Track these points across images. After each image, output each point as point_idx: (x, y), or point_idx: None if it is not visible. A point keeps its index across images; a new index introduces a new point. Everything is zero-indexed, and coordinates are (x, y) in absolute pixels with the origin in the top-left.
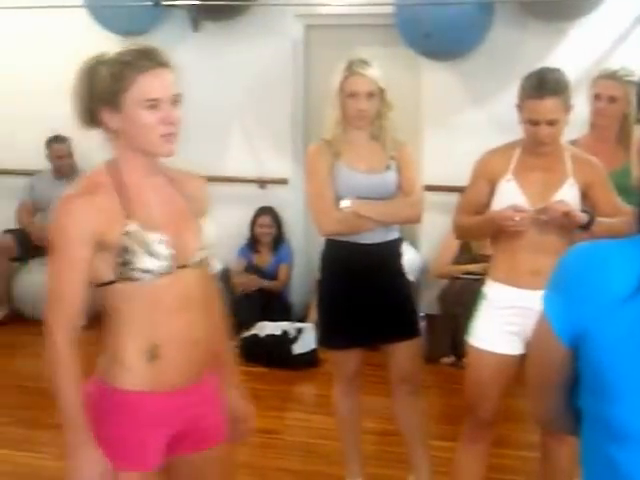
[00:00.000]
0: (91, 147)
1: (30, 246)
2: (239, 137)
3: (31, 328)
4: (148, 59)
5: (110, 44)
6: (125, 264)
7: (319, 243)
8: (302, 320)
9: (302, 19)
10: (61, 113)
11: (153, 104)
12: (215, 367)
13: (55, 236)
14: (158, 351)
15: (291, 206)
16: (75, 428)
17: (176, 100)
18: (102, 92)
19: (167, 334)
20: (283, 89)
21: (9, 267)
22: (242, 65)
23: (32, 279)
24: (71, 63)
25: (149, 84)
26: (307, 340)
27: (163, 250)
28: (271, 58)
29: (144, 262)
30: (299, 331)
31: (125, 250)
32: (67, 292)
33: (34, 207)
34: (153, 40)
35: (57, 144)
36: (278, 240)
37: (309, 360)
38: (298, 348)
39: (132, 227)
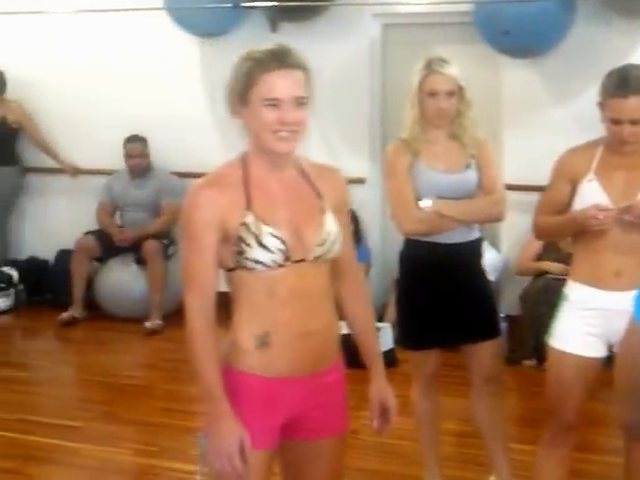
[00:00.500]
0: (170, 147)
1: (110, 246)
2: (316, 137)
3: (112, 325)
4: (276, 59)
5: (190, 46)
6: (240, 253)
7: (396, 243)
8: (379, 320)
9: (379, 18)
10: (141, 113)
11: (273, 103)
12: (338, 361)
13: (185, 225)
14: (269, 339)
15: (368, 206)
16: (214, 401)
17: (300, 102)
18: (236, 87)
19: (279, 323)
20: (360, 89)
21: (91, 267)
22: (319, 65)
23: (113, 278)
24: (151, 65)
25: (272, 83)
26: (384, 340)
27: (274, 243)
28: (348, 58)
29: (255, 253)
30: (376, 330)
31: (241, 240)
32: (200, 277)
33: (113, 207)
34: (232, 41)
35: (132, 143)
36: (355, 240)
37: (386, 360)
38: None
39: (249, 218)
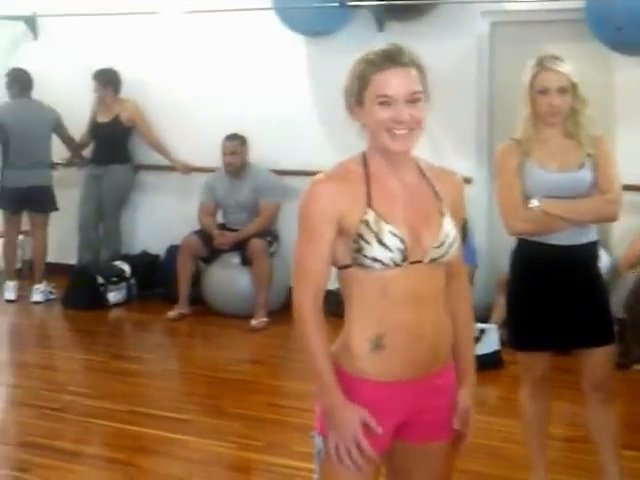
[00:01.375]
0: (272, 146)
1: (214, 246)
2: (423, 136)
3: (218, 321)
4: (388, 58)
5: (296, 45)
6: (358, 250)
7: (503, 242)
8: (485, 320)
9: (488, 16)
10: (246, 111)
11: (386, 101)
12: (449, 364)
13: (302, 217)
14: (382, 341)
15: (474, 205)
16: (329, 391)
17: (414, 99)
18: (352, 89)
19: (392, 325)
20: (467, 88)
21: (196, 266)
22: (427, 64)
23: (217, 276)
24: (258, 64)
25: (385, 82)
26: (490, 341)
27: (394, 242)
28: (456, 57)
29: (374, 251)
30: (482, 332)
31: (360, 237)
32: (312, 269)
33: (215, 207)
34: (338, 40)
35: (230, 141)
36: (462, 240)
37: (492, 361)
38: (481, 349)
39: (369, 216)
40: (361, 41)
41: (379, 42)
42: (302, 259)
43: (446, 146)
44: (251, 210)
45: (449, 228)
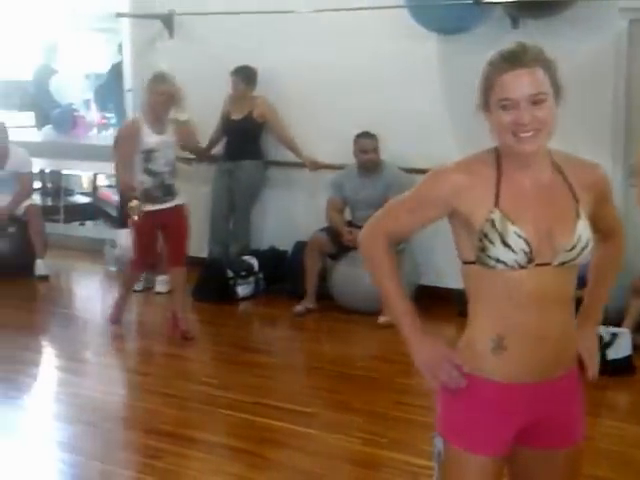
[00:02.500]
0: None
1: (342, 243)
2: (557, 136)
3: (345, 317)
4: (509, 60)
5: (428, 43)
6: (482, 249)
7: (639, 245)
8: (617, 325)
9: (627, 13)
10: (375, 109)
11: (507, 104)
12: (573, 370)
13: (418, 187)
14: (504, 342)
15: None
16: (401, 319)
17: (537, 100)
18: (481, 90)
19: (515, 327)
20: (604, 87)
21: (324, 262)
22: (561, 62)
23: (345, 273)
24: (389, 61)
25: (505, 85)
26: (622, 345)
27: (518, 244)
28: (592, 55)
29: (498, 252)
30: (614, 336)
31: (484, 236)
32: (397, 224)
33: (343, 204)
34: (471, 38)
35: (363, 139)
36: None
37: (624, 366)
38: (613, 353)
39: (495, 215)
40: (494, 39)
41: (512, 40)
42: (394, 212)
43: (581, 144)
44: (380, 207)
45: (583, 231)
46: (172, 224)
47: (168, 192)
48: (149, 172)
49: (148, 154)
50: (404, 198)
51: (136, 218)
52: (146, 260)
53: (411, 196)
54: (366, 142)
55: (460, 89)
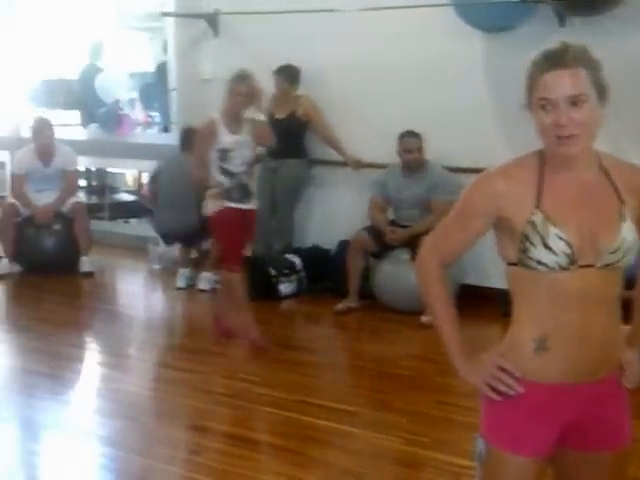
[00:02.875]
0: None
1: (385, 242)
2: (603, 137)
3: (387, 316)
4: (550, 60)
5: (474, 41)
6: (524, 251)
7: None
8: None
9: None
10: (419, 107)
11: (546, 104)
12: (616, 373)
13: (463, 198)
14: (546, 343)
15: None
16: (448, 345)
17: (577, 101)
18: (525, 89)
19: (557, 328)
20: None
21: (366, 261)
22: (608, 61)
23: (388, 272)
24: (433, 59)
25: (545, 86)
26: None
27: (560, 246)
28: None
29: (539, 254)
30: None
31: (526, 238)
32: (449, 242)
33: (385, 203)
34: (517, 36)
35: (408, 138)
36: None
37: None
38: None
39: (537, 217)
40: (540, 37)
41: (559, 39)
42: (443, 231)
43: (630, 147)
44: (423, 207)
45: (628, 233)
46: (244, 227)
47: (246, 193)
48: (225, 172)
49: (224, 153)
50: (450, 215)
51: (216, 209)
52: (241, 254)
53: (456, 211)
54: (410, 141)
55: (506, 88)
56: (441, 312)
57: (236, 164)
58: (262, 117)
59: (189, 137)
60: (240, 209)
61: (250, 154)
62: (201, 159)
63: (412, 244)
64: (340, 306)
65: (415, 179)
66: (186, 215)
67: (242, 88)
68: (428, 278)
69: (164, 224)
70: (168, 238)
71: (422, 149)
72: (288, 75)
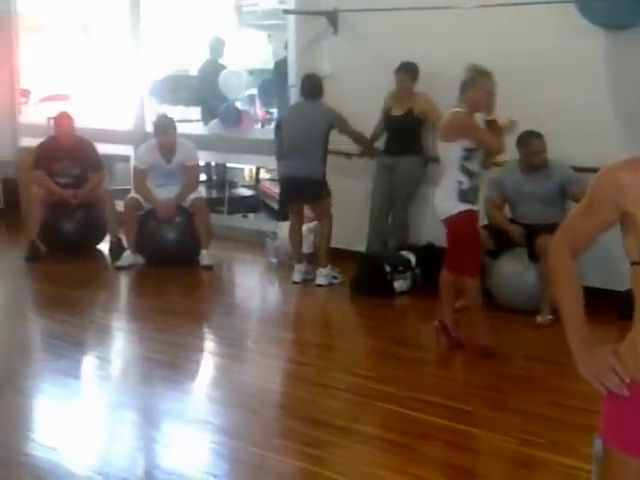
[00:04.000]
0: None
1: (503, 241)
2: None
3: (502, 315)
4: None
5: (596, 38)
6: None
7: None
8: None
9: None
10: (539, 106)
11: None
12: None
13: (590, 187)
14: None
15: None
16: (570, 332)
17: None
18: None
19: None
20: None
21: (482, 260)
22: None
23: (505, 270)
24: (556, 58)
25: None
26: None
27: None
28: None
29: None
30: None
31: None
32: (578, 232)
33: (502, 201)
34: (638, 34)
35: (534, 139)
36: None
37: None
38: None
39: None
40: None
41: None
42: (572, 219)
43: None
44: (547, 204)
45: None
46: None
47: (476, 196)
48: (467, 172)
49: (470, 152)
50: (578, 205)
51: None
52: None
53: (583, 201)
54: (537, 142)
55: (627, 86)
56: (570, 297)
57: (476, 164)
58: (493, 116)
59: (314, 84)
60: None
61: (482, 155)
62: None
63: (531, 243)
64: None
65: (537, 177)
66: (312, 162)
67: (490, 85)
68: (559, 266)
69: (289, 170)
70: (291, 188)
71: (546, 149)
72: (411, 72)
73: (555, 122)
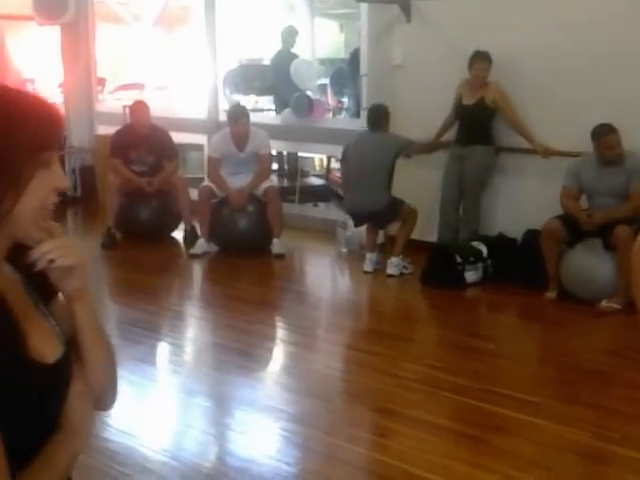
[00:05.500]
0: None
1: (577, 231)
2: None
3: (574, 307)
4: None
5: None
6: None
7: None
8: None
9: None
10: (615, 99)
11: None
12: None
13: None
14: None
15: None
16: None
17: None
18: None
19: None
20: None
21: (559, 250)
22: None
23: (579, 261)
24: (633, 49)
25: None
26: None
27: None
28: None
29: None
30: None
31: None
32: None
33: (579, 192)
34: None
35: (609, 136)
36: None
37: None
38: None
39: None
40: None
41: None
42: None
43: None
44: (622, 197)
45: None
46: None
47: None
48: None
49: None
50: None
51: None
52: None
53: None
54: (612, 138)
55: None
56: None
57: None
58: None
59: (379, 116)
60: None
61: None
62: None
63: (607, 233)
64: (548, 294)
65: (611, 170)
66: (376, 194)
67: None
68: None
69: (355, 204)
70: (358, 218)
71: (620, 143)
72: (485, 60)
73: (628, 112)
